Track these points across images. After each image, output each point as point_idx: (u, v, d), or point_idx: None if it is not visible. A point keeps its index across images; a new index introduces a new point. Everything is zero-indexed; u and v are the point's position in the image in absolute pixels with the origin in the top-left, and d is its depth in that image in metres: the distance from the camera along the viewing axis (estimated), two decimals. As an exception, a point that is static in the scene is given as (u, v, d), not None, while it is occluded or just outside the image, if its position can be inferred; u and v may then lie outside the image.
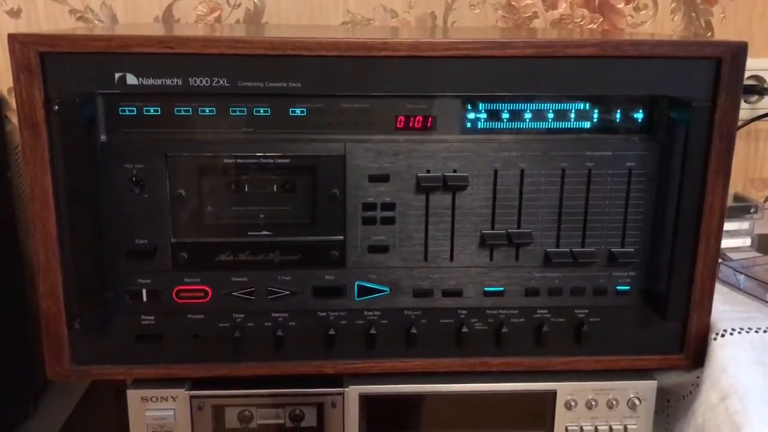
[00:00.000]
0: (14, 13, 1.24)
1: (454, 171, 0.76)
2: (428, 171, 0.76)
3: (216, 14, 1.28)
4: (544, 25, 1.35)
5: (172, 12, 1.26)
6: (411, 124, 0.76)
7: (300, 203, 0.75)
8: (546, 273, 0.79)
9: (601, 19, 1.38)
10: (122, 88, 0.71)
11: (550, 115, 0.78)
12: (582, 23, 1.37)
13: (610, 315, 0.81)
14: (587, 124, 0.77)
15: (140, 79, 0.71)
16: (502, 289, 0.79)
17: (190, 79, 0.71)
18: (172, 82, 0.72)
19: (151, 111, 0.73)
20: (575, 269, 0.79)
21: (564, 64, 0.74)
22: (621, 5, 1.38)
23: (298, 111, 0.75)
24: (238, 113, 0.74)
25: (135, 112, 0.73)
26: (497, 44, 0.76)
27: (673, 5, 1.37)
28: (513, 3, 1.34)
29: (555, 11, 1.36)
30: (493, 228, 0.77)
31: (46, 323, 0.79)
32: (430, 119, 0.76)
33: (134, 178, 0.74)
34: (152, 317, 0.79)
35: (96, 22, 1.25)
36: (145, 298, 0.77)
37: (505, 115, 0.77)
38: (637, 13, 1.37)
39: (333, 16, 1.28)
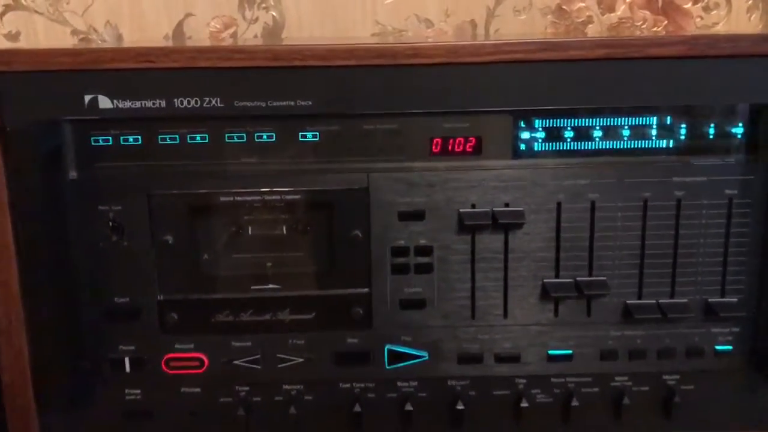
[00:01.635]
0: (12, 36, 1.12)
1: (506, 205, 0.64)
2: (473, 205, 0.64)
3: (231, 30, 1.15)
4: (600, 30, 1.19)
5: (183, 29, 1.13)
6: (450, 147, 0.64)
7: (314, 249, 0.65)
8: (625, 331, 0.66)
9: (666, 22, 1.21)
10: (94, 112, 0.60)
11: (626, 132, 0.65)
12: (644, 27, 1.20)
13: (707, 382, 0.67)
14: (673, 143, 0.64)
15: (115, 101, 0.60)
16: (570, 352, 0.66)
17: (176, 100, 0.60)
18: (154, 104, 0.60)
19: (130, 140, 0.63)
20: (662, 326, 0.66)
21: (643, 68, 0.60)
22: (688, 5, 1.21)
23: (309, 135, 0.64)
24: (236, 140, 0.64)
25: (110, 142, 0.63)
26: (557, 45, 0.61)
27: (750, 3, 1.20)
28: (564, 6, 1.18)
29: (612, 14, 1.20)
30: (557, 276, 0.65)
31: (11, 398, 0.65)
32: (473, 141, 0.64)
33: (111, 223, 0.63)
34: (138, 391, 0.67)
35: (99, 42, 1.13)
36: (128, 368, 0.65)
37: (569, 134, 0.65)
38: (707, 14, 1.20)
39: (361, 27, 1.14)
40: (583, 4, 1.22)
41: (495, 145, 0.64)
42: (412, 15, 1.16)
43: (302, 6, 1.11)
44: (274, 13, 1.12)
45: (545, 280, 0.65)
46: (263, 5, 1.12)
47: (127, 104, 0.60)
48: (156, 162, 0.63)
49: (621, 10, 1.19)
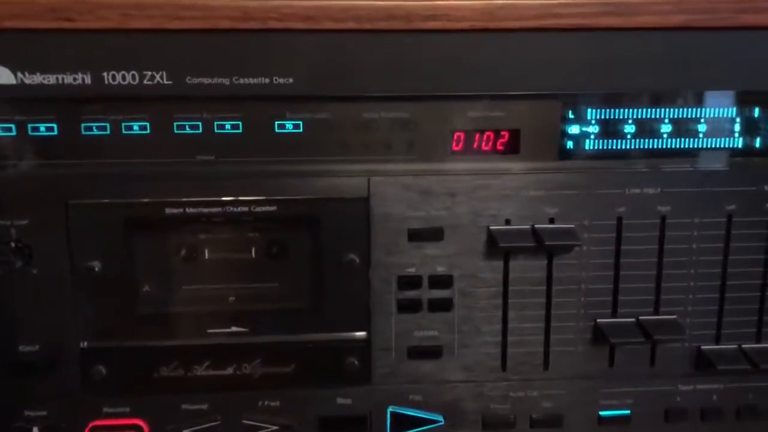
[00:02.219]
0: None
1: (551, 221, 0.50)
2: (507, 221, 0.50)
3: None
4: None
5: None
6: (477, 144, 0.50)
7: (294, 278, 0.52)
8: (698, 384, 0.54)
9: None
10: None
11: (705, 128, 0.51)
12: None
13: (799, 450, 0.55)
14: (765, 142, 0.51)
15: (20, 75, 0.46)
16: (627, 412, 0.54)
17: (105, 75, 0.46)
18: (75, 79, 0.46)
19: (42, 129, 0.48)
20: (746, 378, 0.54)
21: (734, 41, 0.48)
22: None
23: (289, 125, 0.49)
24: (188, 131, 0.49)
25: (13, 132, 0.48)
26: (624, 7, 0.46)
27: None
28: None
29: None
30: (614, 314, 0.52)
31: None
32: (508, 136, 0.50)
33: (15, 243, 0.48)
34: (53, 472, 0.52)
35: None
36: (39, 441, 0.51)
37: (630, 128, 0.51)
38: None
39: None
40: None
41: (536, 142, 0.50)
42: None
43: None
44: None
45: (599, 320, 0.52)
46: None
47: (38, 79, 0.46)
48: (77, 160, 0.49)
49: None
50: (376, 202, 0.49)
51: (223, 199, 0.48)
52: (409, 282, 0.50)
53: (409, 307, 0.51)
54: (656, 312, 0.51)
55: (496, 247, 0.49)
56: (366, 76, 0.47)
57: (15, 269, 0.47)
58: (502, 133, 0.49)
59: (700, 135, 0.50)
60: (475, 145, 0.49)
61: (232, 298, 0.51)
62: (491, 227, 0.50)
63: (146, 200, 0.48)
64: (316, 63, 0.46)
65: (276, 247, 0.51)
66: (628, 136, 0.50)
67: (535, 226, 0.49)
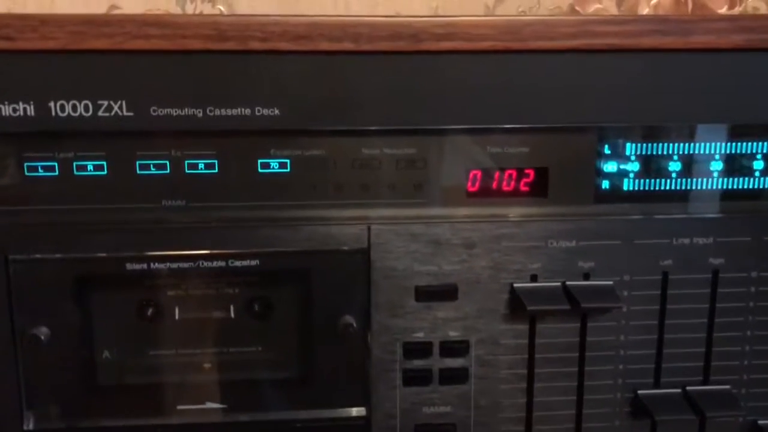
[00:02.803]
0: None
1: (585, 276, 0.43)
2: (534, 277, 0.42)
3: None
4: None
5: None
6: (497, 184, 0.43)
7: (280, 343, 0.44)
8: None
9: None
10: None
11: (762, 165, 0.43)
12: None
13: None
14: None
15: None
16: None
17: (52, 105, 0.38)
18: (16, 110, 0.38)
19: None
20: None
21: None
22: (723, 9, 1.03)
23: (274, 164, 0.41)
24: (152, 170, 0.41)
25: None
26: (672, 26, 0.39)
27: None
28: (577, 8, 0.98)
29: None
30: (657, 384, 0.44)
31: None
32: (533, 175, 0.43)
33: None
34: None
35: None
36: None
37: (676, 166, 0.43)
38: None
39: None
40: (600, 5, 1.01)
41: (568, 182, 0.43)
42: (395, 14, 0.94)
43: (260, -4, 0.86)
44: (221, 7, 0.88)
45: (640, 392, 0.44)
46: (209, -6, 0.87)
47: None
48: (20, 206, 0.40)
49: (645, 12, 0.99)
50: (377, 254, 0.41)
51: (196, 252, 0.40)
52: (417, 349, 0.42)
53: (416, 378, 0.42)
54: (706, 381, 0.44)
55: (522, 309, 0.41)
56: (365, 105, 0.39)
57: (-57, 338, 0.40)
58: (527, 171, 0.42)
59: (759, 174, 0.43)
60: (494, 186, 0.42)
61: (206, 366, 0.43)
62: (515, 285, 0.42)
63: (103, 254, 0.40)
64: (305, 91, 0.39)
65: (259, 307, 0.42)
66: (674, 175, 0.43)
67: (568, 283, 0.41)
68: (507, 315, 0.42)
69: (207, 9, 0.89)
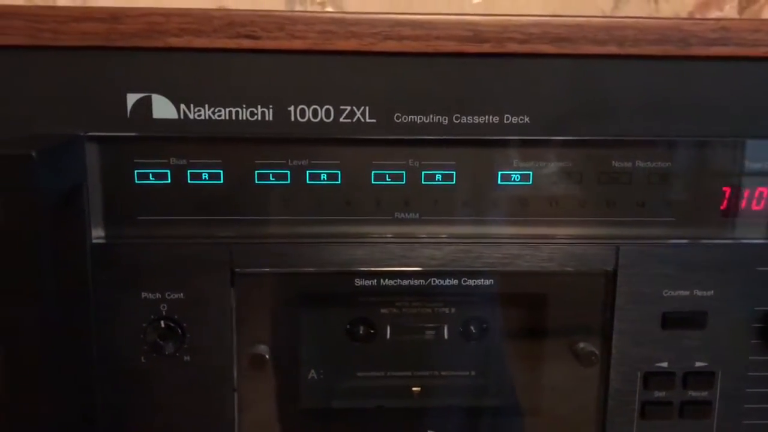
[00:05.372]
0: None
1: None
2: None
3: None
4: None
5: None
6: (755, 203, 0.39)
7: (499, 368, 0.40)
8: None
9: None
10: (144, 125, 0.34)
11: None
12: None
13: None
14: None
15: (184, 108, 0.35)
16: None
17: (291, 109, 0.36)
18: (253, 114, 0.35)
19: (205, 177, 0.37)
20: None
21: None
22: None
23: (516, 176, 0.39)
24: (388, 181, 0.38)
25: (169, 180, 0.37)
26: None
27: None
28: (698, 16, 0.94)
29: None
30: None
31: None
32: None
33: (164, 322, 0.37)
34: None
35: None
36: None
37: None
38: None
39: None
40: (721, 13, 0.97)
41: None
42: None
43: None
44: (330, 8, 0.85)
45: None
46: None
47: (205, 113, 0.35)
48: (250, 215, 0.37)
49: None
50: (624, 277, 0.38)
51: (430, 269, 0.37)
52: (660, 380, 0.38)
53: (656, 411, 0.39)
54: None
55: (780, 339, 0.38)
56: (620, 114, 0.35)
57: (164, 355, 0.37)
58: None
59: None
60: (752, 205, 0.38)
61: (416, 389, 0.41)
62: (774, 313, 0.38)
63: (334, 269, 0.37)
64: (559, 97, 0.35)
65: (477, 328, 0.40)
66: None
67: None
68: (758, 345, 0.39)
69: (316, 8, 0.86)
